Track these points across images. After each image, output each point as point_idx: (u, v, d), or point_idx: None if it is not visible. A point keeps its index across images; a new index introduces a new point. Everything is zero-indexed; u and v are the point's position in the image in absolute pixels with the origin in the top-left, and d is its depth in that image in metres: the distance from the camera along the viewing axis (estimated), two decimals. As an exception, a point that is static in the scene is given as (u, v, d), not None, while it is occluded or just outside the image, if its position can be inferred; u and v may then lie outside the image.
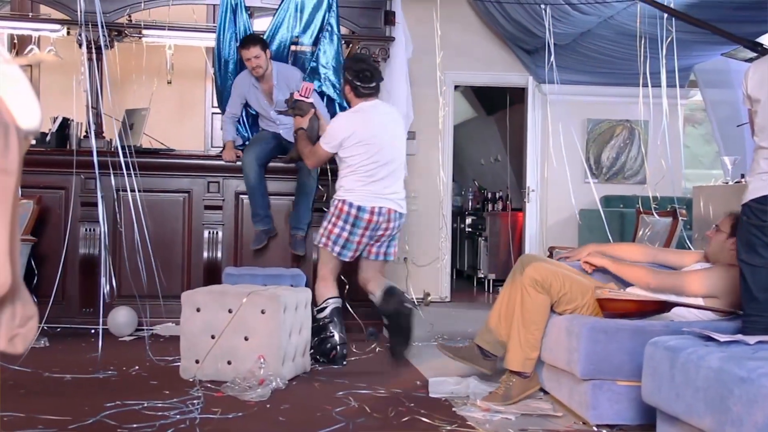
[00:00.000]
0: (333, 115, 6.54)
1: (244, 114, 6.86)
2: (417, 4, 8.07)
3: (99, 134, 6.57)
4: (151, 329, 6.27)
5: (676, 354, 3.25)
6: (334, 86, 6.77)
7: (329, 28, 6.83)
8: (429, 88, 8.18)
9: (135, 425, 3.77)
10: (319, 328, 5.47)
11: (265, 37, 6.73)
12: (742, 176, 7.20)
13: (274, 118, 6.53)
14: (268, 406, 4.26)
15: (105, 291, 5.28)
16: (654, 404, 3.41)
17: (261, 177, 6.48)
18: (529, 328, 4.33)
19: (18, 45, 8.03)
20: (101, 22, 5.75)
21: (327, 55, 6.82)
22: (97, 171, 5.08)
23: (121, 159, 5.16)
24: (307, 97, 5.75)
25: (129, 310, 6.24)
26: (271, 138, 6.64)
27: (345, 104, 6.65)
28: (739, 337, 3.28)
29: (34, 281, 6.19)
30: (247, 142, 6.82)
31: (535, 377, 4.45)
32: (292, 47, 6.87)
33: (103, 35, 6.18)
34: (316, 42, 6.84)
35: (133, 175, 5.39)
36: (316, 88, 6.42)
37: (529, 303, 4.32)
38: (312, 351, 5.36)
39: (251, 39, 6.43)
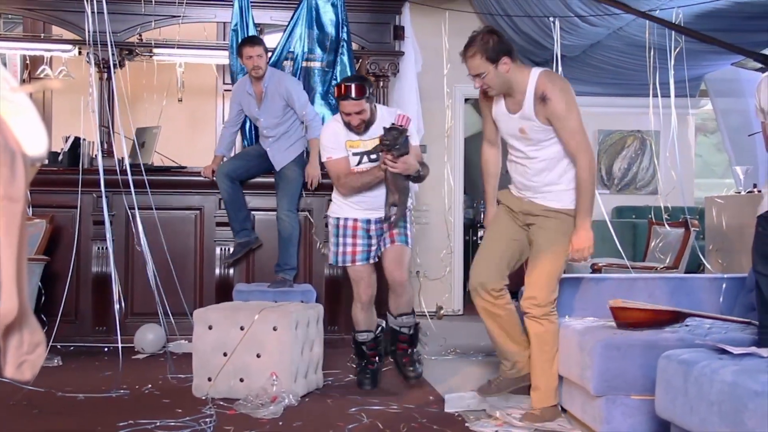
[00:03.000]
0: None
1: (248, 123, 6.86)
2: (426, 18, 8.07)
3: (110, 153, 6.60)
4: (165, 346, 6.28)
5: (689, 367, 3.22)
6: None
7: (344, 44, 6.85)
8: (439, 102, 8.17)
9: (147, 444, 3.78)
10: (414, 336, 5.26)
11: (278, 50, 6.82)
12: (755, 186, 7.17)
13: (262, 129, 6.50)
14: (280, 423, 4.24)
15: (118, 308, 5.27)
16: (668, 418, 3.37)
17: (233, 191, 6.44)
18: (547, 357, 4.19)
19: (30, 65, 8.08)
20: (111, 42, 5.79)
21: (345, 72, 6.85)
22: (103, 189, 5.08)
23: (130, 177, 5.17)
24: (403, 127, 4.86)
25: (157, 327, 6.22)
26: (255, 155, 6.59)
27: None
28: (753, 349, 3.25)
29: (42, 301, 6.18)
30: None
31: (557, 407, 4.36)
32: (304, 63, 6.88)
33: (113, 54, 6.21)
34: (328, 58, 6.86)
35: (135, 194, 5.39)
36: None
37: (536, 331, 4.17)
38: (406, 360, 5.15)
39: (256, 38, 6.45)
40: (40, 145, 1.93)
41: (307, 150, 6.43)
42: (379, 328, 5.30)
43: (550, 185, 4.12)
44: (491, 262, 4.23)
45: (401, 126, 4.79)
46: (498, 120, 4.22)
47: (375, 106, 5.05)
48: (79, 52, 7.08)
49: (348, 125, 4.95)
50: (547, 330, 4.15)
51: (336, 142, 5.02)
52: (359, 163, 5.00)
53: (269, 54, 6.51)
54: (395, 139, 4.70)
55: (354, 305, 5.16)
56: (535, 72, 4.01)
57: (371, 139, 4.95)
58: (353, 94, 4.82)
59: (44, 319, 5.67)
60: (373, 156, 4.96)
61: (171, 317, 5.96)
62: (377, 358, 5.26)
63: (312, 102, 6.65)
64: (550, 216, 4.10)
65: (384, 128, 4.78)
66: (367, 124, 4.95)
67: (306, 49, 6.85)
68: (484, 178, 4.50)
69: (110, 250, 5.33)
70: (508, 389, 4.40)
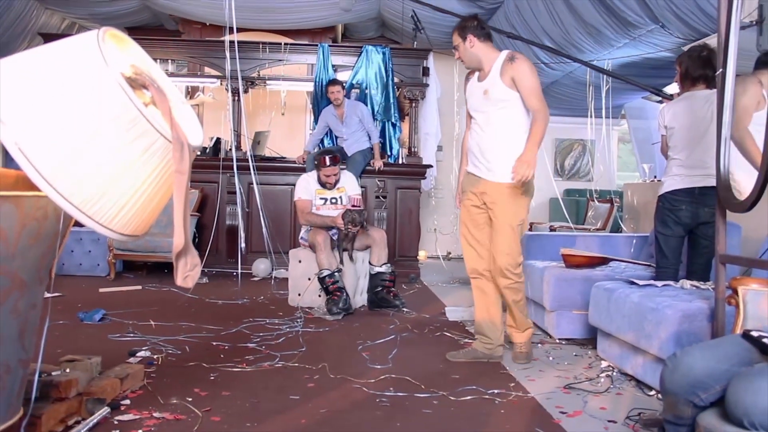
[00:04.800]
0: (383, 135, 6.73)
1: (329, 133, 6.88)
2: (444, 62, 7.98)
3: (238, 148, 6.66)
4: (271, 274, 6.36)
5: (610, 293, 3.23)
6: (387, 112, 6.83)
7: (389, 79, 6.85)
8: (451, 117, 8.13)
9: (261, 334, 3.85)
10: (394, 279, 4.87)
11: (349, 83, 6.82)
12: (654, 177, 7.06)
13: (343, 135, 6.50)
14: (342, 323, 4.31)
15: (242, 247, 5.34)
16: (596, 325, 3.39)
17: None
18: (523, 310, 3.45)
19: (191, 91, 8.15)
20: (240, 77, 5.81)
21: (389, 97, 6.86)
22: (236, 171, 5.14)
23: (252, 164, 5.20)
24: (356, 206, 4.90)
25: (267, 260, 6.31)
26: (335, 149, 6.61)
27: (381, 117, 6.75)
28: (652, 282, 3.25)
29: (196, 241, 6.29)
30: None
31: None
32: (366, 90, 6.90)
33: (242, 84, 6.27)
34: (379, 87, 6.87)
35: (250, 174, 5.44)
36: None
37: (514, 292, 3.37)
38: None
39: (336, 80, 6.50)
40: (198, 139, 1.98)
41: (371, 150, 6.52)
42: (338, 269, 4.65)
43: (503, 155, 3.30)
44: (478, 251, 3.42)
45: (357, 207, 4.90)
46: (469, 94, 3.45)
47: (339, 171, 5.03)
48: (221, 83, 7.10)
49: (323, 184, 4.97)
50: (522, 285, 3.37)
51: (306, 190, 5.00)
52: (324, 204, 4.97)
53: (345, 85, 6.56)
54: (354, 220, 4.70)
55: (317, 251, 4.67)
56: (505, 51, 3.34)
57: (335, 189, 5.00)
58: (328, 163, 4.89)
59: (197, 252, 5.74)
60: (334, 199, 4.98)
61: (274, 254, 6.05)
62: (340, 292, 4.54)
63: None
64: (503, 190, 3.28)
65: (348, 210, 4.76)
66: (335, 182, 5.00)
67: (368, 83, 6.88)
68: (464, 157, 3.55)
69: (239, 210, 5.39)
70: (473, 358, 3.43)
